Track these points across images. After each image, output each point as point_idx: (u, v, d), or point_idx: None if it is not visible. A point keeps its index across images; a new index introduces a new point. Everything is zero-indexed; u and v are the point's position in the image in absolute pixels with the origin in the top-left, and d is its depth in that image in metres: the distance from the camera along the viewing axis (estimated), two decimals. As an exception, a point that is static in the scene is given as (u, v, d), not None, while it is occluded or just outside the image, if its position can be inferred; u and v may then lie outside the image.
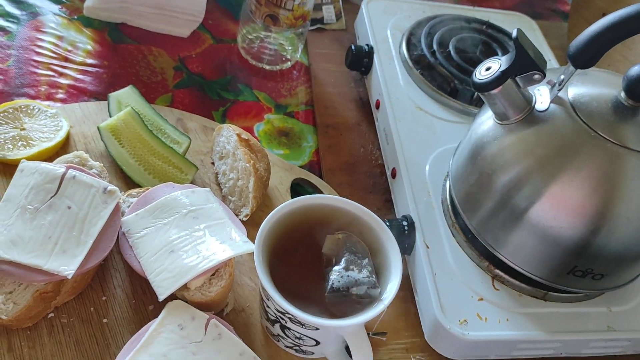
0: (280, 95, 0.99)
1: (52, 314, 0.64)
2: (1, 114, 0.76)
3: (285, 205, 0.64)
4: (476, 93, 0.91)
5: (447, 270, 0.72)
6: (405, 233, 0.75)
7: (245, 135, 0.77)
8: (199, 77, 0.96)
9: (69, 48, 0.93)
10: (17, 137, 0.75)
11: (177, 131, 0.81)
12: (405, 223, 0.75)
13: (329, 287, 0.60)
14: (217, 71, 0.98)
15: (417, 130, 0.88)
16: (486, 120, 0.71)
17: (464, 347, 0.68)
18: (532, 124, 0.67)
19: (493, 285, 0.72)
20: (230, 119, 0.92)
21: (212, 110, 0.93)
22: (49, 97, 0.86)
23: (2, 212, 0.63)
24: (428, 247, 0.74)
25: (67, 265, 0.60)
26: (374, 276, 0.61)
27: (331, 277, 0.61)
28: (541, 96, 0.68)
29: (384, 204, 0.87)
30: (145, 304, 0.67)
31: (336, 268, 0.61)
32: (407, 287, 0.76)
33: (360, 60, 0.97)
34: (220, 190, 0.80)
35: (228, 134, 0.78)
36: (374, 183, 0.90)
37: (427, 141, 0.86)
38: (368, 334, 0.61)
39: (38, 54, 0.90)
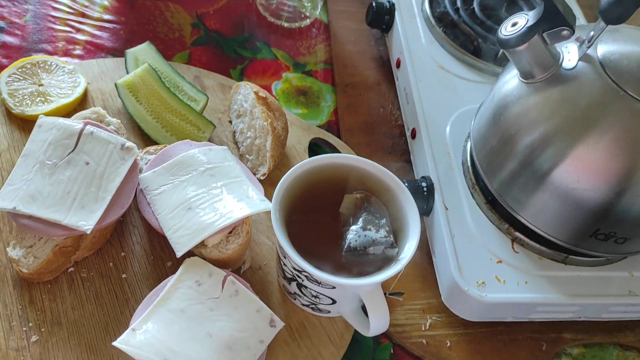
0: (298, 53, 0.97)
1: (72, 269, 0.64)
2: (19, 70, 0.76)
3: (303, 164, 0.63)
4: (500, 52, 0.89)
5: (466, 232, 0.71)
6: (424, 194, 0.74)
7: (262, 93, 0.76)
8: (216, 34, 0.95)
9: (86, 3, 0.92)
10: (35, 93, 0.75)
11: (194, 89, 0.80)
12: (424, 184, 0.74)
13: (345, 246, 0.60)
14: (234, 28, 0.97)
15: (438, 90, 0.86)
16: (510, 79, 0.69)
17: (481, 309, 0.67)
18: (559, 83, 0.64)
19: (512, 248, 0.71)
20: (247, 77, 0.91)
21: (229, 68, 0.91)
22: (67, 53, 0.85)
23: (21, 167, 0.63)
24: (447, 209, 0.73)
25: (86, 221, 0.60)
26: (391, 236, 0.61)
27: (348, 236, 0.60)
28: (569, 54, 0.65)
29: (403, 165, 0.86)
30: (163, 260, 0.67)
31: (353, 227, 0.61)
32: (424, 249, 0.75)
33: (381, 18, 0.95)
34: (237, 149, 0.79)
35: (245, 92, 0.77)
36: (393, 144, 0.88)
37: (448, 101, 0.84)
38: (385, 293, 0.61)
39: (55, 9, 0.89)
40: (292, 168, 0.62)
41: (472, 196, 0.75)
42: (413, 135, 0.83)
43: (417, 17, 0.94)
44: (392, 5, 0.95)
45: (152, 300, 0.59)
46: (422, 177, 0.76)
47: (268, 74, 0.93)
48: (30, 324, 0.60)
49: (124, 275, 0.65)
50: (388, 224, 0.62)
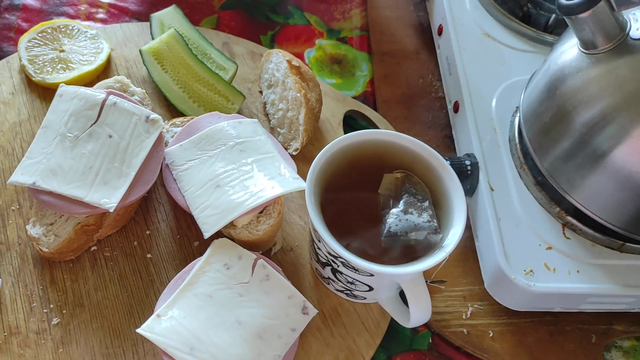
0: (333, 18, 0.91)
1: (94, 247, 0.61)
2: (39, 34, 0.72)
3: (340, 141, 0.58)
4: (552, 19, 0.81)
5: (513, 215, 0.66)
6: (467, 173, 0.69)
7: (296, 62, 0.71)
8: (246, -3, 0.89)
9: (109, -36, 0.87)
10: (57, 60, 0.71)
11: (223, 56, 0.75)
12: (468, 162, 0.69)
13: (385, 231, 0.55)
14: (265, -9, 0.91)
15: (483, 60, 0.79)
16: (569, 49, 0.63)
17: (528, 299, 0.62)
18: (624, 54, 0.58)
19: (563, 233, 0.66)
20: (279, 44, 0.86)
21: (260, 34, 0.86)
22: (89, 17, 0.81)
23: (42, 139, 0.60)
24: (492, 190, 0.68)
25: (109, 198, 0.57)
26: (435, 221, 0.56)
27: (388, 220, 0.56)
28: (637, 22, 0.59)
29: (443, 141, 0.80)
30: (190, 239, 0.64)
31: (394, 210, 0.56)
32: (466, 231, 0.70)
33: (423, -20, 0.88)
34: (268, 122, 0.75)
35: (277, 61, 0.72)
36: (433, 117, 0.83)
37: (494, 72, 0.78)
38: (426, 281, 0.57)
39: (77, -30, 0.85)
40: (328, 145, 0.58)
41: (520, 176, 0.69)
42: (456, 109, 0.77)
43: (462, -20, 0.87)
44: (434, -33, 0.88)
45: (178, 284, 0.56)
46: (466, 154, 0.71)
47: (300, 40, 0.87)
48: (52, 306, 0.57)
49: (149, 255, 0.62)
50: (431, 207, 0.57)
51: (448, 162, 0.68)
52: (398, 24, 0.92)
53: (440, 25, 0.85)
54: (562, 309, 0.65)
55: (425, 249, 0.56)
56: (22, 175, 0.57)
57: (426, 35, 0.91)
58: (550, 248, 0.64)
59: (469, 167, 0.69)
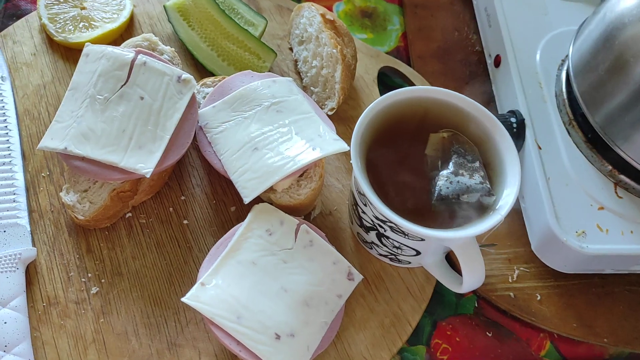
0: (362, -31, 0.86)
1: (129, 214, 0.59)
2: (59, -9, 0.68)
3: (384, 99, 0.55)
4: (598, -36, 0.77)
5: (562, 174, 0.63)
6: (513, 131, 0.65)
7: (330, 15, 0.67)
8: (270, -52, 0.84)
9: None
10: (78, 18, 0.67)
11: (251, 11, 0.71)
12: (513, 120, 0.66)
13: (436, 194, 0.53)
14: (290, -59, 0.86)
15: (525, 11, 0.75)
16: (627, -4, 0.59)
17: (579, 261, 0.60)
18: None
19: (616, 192, 0.63)
20: (306, -2, 0.81)
21: (286, -14, 0.82)
22: (108, -28, 0.76)
23: (70, 101, 0.57)
24: (540, 148, 0.64)
25: (145, 163, 0.54)
26: (487, 182, 0.53)
27: (438, 182, 0.53)
28: None
29: (482, 97, 0.77)
30: (226, 204, 0.62)
31: (444, 172, 0.53)
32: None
33: None
34: (300, 80, 0.71)
35: (310, 15, 0.68)
36: (471, 72, 0.79)
37: (537, 23, 0.74)
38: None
39: None
40: (372, 104, 0.54)
41: (569, 133, 0.66)
42: (497, 63, 0.73)
43: None
44: None
45: (220, 251, 0.53)
46: (510, 111, 0.68)
47: (329, -7, 0.83)
48: (90, 275, 0.55)
49: (185, 222, 0.60)
50: (482, 168, 0.54)
51: (493, 119, 0.65)
52: (431, -26, 0.87)
53: (477, -27, 0.80)
54: (612, 270, 0.63)
55: (477, 211, 0.53)
56: (52, 140, 0.55)
57: (461, -16, 0.86)
58: (602, 208, 0.62)
59: (514, 125, 0.65)
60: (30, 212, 0.57)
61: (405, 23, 0.82)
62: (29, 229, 0.56)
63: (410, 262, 0.60)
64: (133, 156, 0.54)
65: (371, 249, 0.60)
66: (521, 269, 0.64)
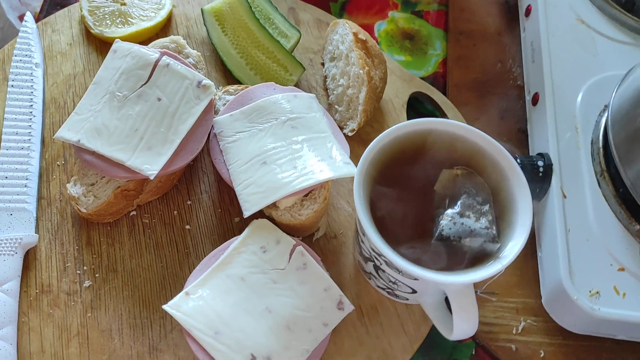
0: (410, -11, 0.84)
1: (134, 212, 0.60)
2: (103, -15, 0.70)
3: (398, 129, 0.53)
4: (660, 8, 0.72)
5: (585, 227, 0.59)
6: (539, 175, 0.62)
7: (363, 35, 0.66)
8: (319, -40, 0.84)
9: None
10: (117, 13, 0.69)
11: (286, 22, 0.71)
12: (540, 163, 0.62)
13: (437, 233, 0.50)
14: (341, -45, 0.85)
15: (573, 49, 0.71)
16: (677, 47, 0.54)
17: (590, 322, 0.56)
18: None
19: (641, 255, 0.59)
20: (349, 14, 0.80)
21: (330, 1, 0.81)
22: (156, -29, 0.78)
23: (91, 95, 0.58)
24: (565, 197, 0.61)
25: (151, 164, 0.54)
26: (494, 228, 0.50)
27: (442, 221, 0.51)
28: None
29: (516, 135, 0.73)
30: (231, 214, 0.61)
31: (449, 212, 0.51)
32: (529, 238, 0.64)
33: (515, -46, 0.80)
34: (327, 97, 0.70)
35: (343, 32, 0.67)
36: (508, 108, 0.75)
37: (584, 63, 0.70)
38: (476, 291, 0.52)
39: None
40: (385, 132, 0.53)
41: (599, 185, 0.62)
42: (534, 101, 0.70)
43: (560, -43, 0.78)
44: (530, -60, 0.79)
45: (211, 262, 0.53)
46: (539, 153, 0.64)
47: (372, 11, 0.81)
48: (85, 268, 0.56)
49: (187, 227, 0.60)
50: (491, 212, 0.51)
51: (518, 160, 0.62)
52: (481, 1, 0.84)
53: (529, 5, 0.76)
54: (627, 337, 0.59)
55: (479, 256, 0.50)
56: (68, 132, 0.56)
57: (511, 15, 0.83)
58: (622, 269, 0.57)
59: (541, 168, 0.62)
60: (40, 198, 0.59)
61: (447, 49, 0.80)
62: (35, 215, 0.57)
63: (408, 299, 0.57)
64: (140, 156, 0.55)
65: (370, 279, 0.58)
66: (528, 321, 0.61)
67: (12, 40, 0.66)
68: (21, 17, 1.44)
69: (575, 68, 0.69)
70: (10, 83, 0.63)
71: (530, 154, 0.66)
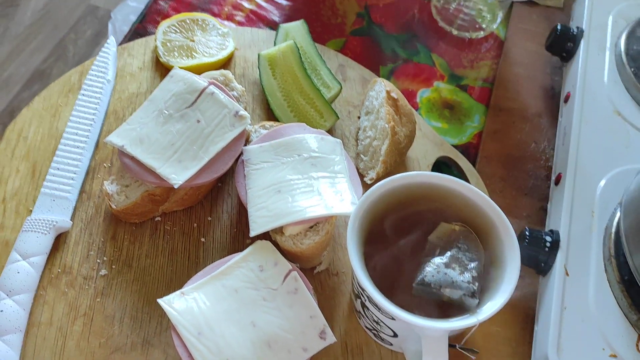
0: (459, 64, 0.89)
1: (158, 218, 0.66)
2: (179, 22, 0.80)
3: (398, 179, 0.56)
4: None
5: (582, 308, 0.59)
6: (544, 249, 0.63)
7: (395, 94, 0.71)
8: (379, 27, 0.91)
9: (263, -25, 0.94)
10: (185, 47, 0.78)
11: (331, 75, 0.77)
12: (548, 238, 0.63)
13: (419, 278, 0.52)
14: (399, 26, 0.92)
15: (605, 137, 0.72)
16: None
17: (572, 404, 0.55)
18: None
19: (637, 345, 0.57)
20: (396, 78, 0.86)
21: (380, 64, 0.87)
22: (229, 17, 0.88)
23: (144, 110, 0.66)
24: (567, 275, 0.61)
25: (177, 175, 0.61)
26: (476, 284, 0.52)
27: (426, 268, 0.53)
28: None
29: (537, 212, 0.74)
30: (244, 235, 0.66)
31: (436, 260, 0.53)
32: (530, 311, 0.64)
33: (563, 44, 0.83)
34: (356, 146, 0.75)
35: (379, 89, 0.72)
36: (534, 185, 0.77)
37: (613, 153, 0.71)
38: (454, 345, 0.53)
39: (233, -25, 0.93)
40: (385, 180, 0.56)
41: (605, 269, 0.62)
42: (557, 181, 0.71)
43: (607, 51, 0.81)
44: (580, 32, 0.83)
45: (212, 270, 0.57)
46: (550, 230, 0.65)
47: (419, 79, 0.86)
48: (105, 258, 0.62)
49: (202, 239, 0.65)
50: (477, 270, 0.53)
51: (527, 232, 0.63)
52: (527, 83, 0.88)
53: (568, 92, 0.79)
54: None
55: (458, 310, 0.52)
56: (116, 137, 0.64)
57: (555, 101, 0.85)
58: (614, 356, 0.56)
59: (548, 243, 0.63)
60: (82, 192, 0.66)
61: (485, 123, 0.83)
62: (74, 204, 0.64)
63: (392, 344, 0.59)
64: (170, 167, 0.61)
65: (360, 318, 0.60)
66: (513, 393, 0.60)
67: (94, 57, 0.76)
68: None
69: (603, 155, 0.70)
70: (82, 92, 0.72)
71: (539, 229, 0.67)
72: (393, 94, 0.70)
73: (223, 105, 0.65)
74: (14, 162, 0.67)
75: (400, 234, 0.57)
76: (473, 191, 0.56)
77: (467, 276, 0.52)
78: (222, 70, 0.70)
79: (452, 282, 0.52)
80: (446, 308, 0.53)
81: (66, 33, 2.21)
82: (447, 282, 0.52)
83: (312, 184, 0.61)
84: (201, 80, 0.66)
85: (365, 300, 0.54)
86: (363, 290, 0.53)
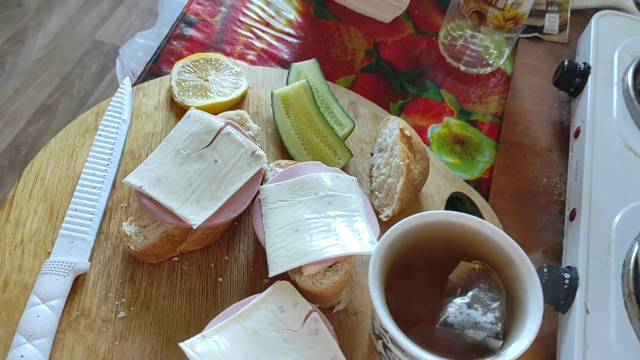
0: (468, 100, 0.90)
1: (176, 258, 0.66)
2: (193, 63, 0.81)
3: (417, 218, 0.57)
4: None
5: (604, 346, 0.59)
6: (564, 287, 0.63)
7: (409, 131, 0.71)
8: (388, 65, 0.92)
9: (273, 14, 0.95)
10: (199, 87, 0.79)
11: (343, 113, 0.78)
12: (567, 275, 0.63)
13: (442, 319, 0.52)
14: (408, 62, 0.93)
15: (617, 173, 0.73)
16: None
17: None
18: None
19: (661, 384, 0.57)
20: (406, 114, 0.87)
21: (390, 101, 0.88)
22: (241, 57, 0.89)
23: (161, 150, 0.66)
24: (588, 312, 0.61)
25: (195, 215, 0.61)
26: (499, 325, 0.52)
27: (449, 308, 0.53)
28: None
29: (552, 247, 0.74)
30: (262, 275, 0.66)
31: (458, 300, 0.53)
32: (550, 347, 0.64)
33: (571, 79, 0.84)
34: (370, 184, 0.75)
35: (392, 127, 0.73)
36: (548, 221, 0.77)
37: (626, 188, 0.71)
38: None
39: (244, 15, 0.94)
40: (405, 219, 0.56)
41: (625, 306, 0.61)
42: (572, 217, 0.71)
43: (615, 87, 0.82)
44: (588, 68, 0.84)
45: (232, 312, 0.57)
46: (568, 266, 0.65)
47: (429, 115, 0.87)
48: (123, 300, 0.62)
49: (220, 279, 0.65)
50: (500, 310, 0.53)
51: (545, 269, 0.63)
52: (536, 118, 0.89)
53: (578, 127, 0.80)
54: None
55: (481, 351, 0.51)
56: (134, 178, 0.64)
57: (564, 135, 0.86)
58: (639, 395, 0.56)
59: (566, 281, 0.63)
60: (100, 232, 0.66)
61: (496, 158, 0.83)
62: (92, 246, 0.64)
63: (414, 386, 0.58)
64: (189, 207, 0.61)
65: (381, 359, 0.60)
66: None
67: (109, 98, 0.77)
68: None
69: (617, 190, 0.71)
70: (98, 132, 0.73)
71: (557, 266, 0.67)
72: (406, 132, 0.71)
73: (240, 145, 0.66)
74: (31, 203, 0.67)
75: (419, 274, 0.57)
76: (491, 229, 0.56)
77: (490, 317, 0.52)
78: (238, 110, 0.71)
79: (476, 323, 0.51)
80: (467, 349, 0.52)
81: (72, 68, 2.24)
82: (470, 323, 0.51)
83: (330, 223, 0.62)
84: (218, 121, 0.67)
85: (387, 342, 0.54)
86: (386, 332, 0.52)
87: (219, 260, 0.66)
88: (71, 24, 2.42)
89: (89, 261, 0.64)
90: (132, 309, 0.62)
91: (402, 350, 0.52)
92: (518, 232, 0.75)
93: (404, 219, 0.56)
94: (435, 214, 0.57)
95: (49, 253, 0.63)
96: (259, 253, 0.67)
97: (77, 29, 2.41)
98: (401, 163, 0.68)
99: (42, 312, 0.58)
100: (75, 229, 0.65)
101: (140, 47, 1.69)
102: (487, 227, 0.56)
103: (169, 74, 0.85)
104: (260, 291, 0.64)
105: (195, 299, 0.63)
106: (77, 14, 2.45)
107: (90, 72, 2.27)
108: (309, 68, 0.82)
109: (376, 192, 0.73)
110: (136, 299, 0.62)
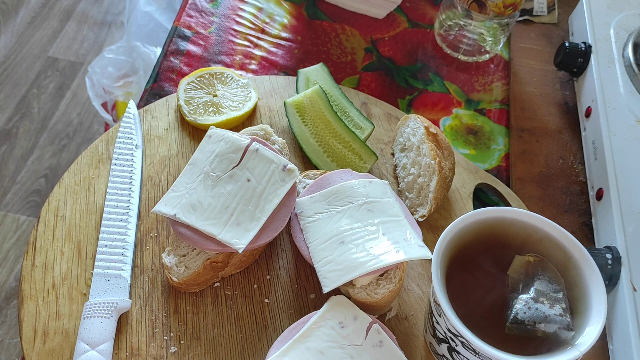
0: (472, 89, 0.90)
1: (217, 284, 0.63)
2: (198, 79, 0.78)
3: (474, 215, 0.57)
4: None
5: (657, 321, 0.60)
6: (607, 267, 0.63)
7: (433, 129, 0.71)
8: (389, 61, 0.91)
9: (267, 20, 0.93)
10: (209, 103, 0.76)
11: (361, 116, 0.77)
12: (609, 255, 0.64)
13: (511, 317, 0.52)
14: (408, 57, 0.93)
15: (635, 148, 0.74)
16: None
17: (668, 420, 0.55)
18: None
19: None
20: (415, 109, 0.87)
21: (398, 97, 0.87)
22: (242, 67, 0.87)
23: (187, 174, 0.64)
24: (635, 290, 0.62)
25: (239, 239, 0.59)
26: (568, 315, 0.52)
27: (516, 305, 0.53)
28: None
29: (580, 228, 0.75)
30: (307, 291, 0.64)
31: (523, 296, 0.53)
32: (598, 330, 0.65)
33: (574, 60, 0.85)
34: (397, 184, 0.74)
35: (415, 126, 0.72)
36: (571, 202, 0.78)
37: (646, 162, 0.73)
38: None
39: (238, 23, 0.92)
40: (461, 217, 0.56)
41: (669, 279, 0.63)
42: (599, 197, 0.72)
43: (617, 63, 0.83)
44: (589, 48, 0.85)
45: (292, 334, 0.56)
46: (607, 246, 0.66)
47: (437, 108, 0.87)
48: (172, 334, 0.59)
49: (266, 300, 0.63)
50: (565, 300, 0.53)
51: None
52: (541, 101, 0.89)
53: (589, 107, 0.81)
54: None
55: (552, 343, 0.52)
56: (165, 206, 0.61)
57: (571, 115, 0.87)
58: (699, 366, 0.57)
59: (609, 261, 0.64)
60: (134, 266, 0.63)
61: (510, 145, 0.84)
62: (129, 282, 0.62)
63: (480, 384, 0.58)
64: (230, 231, 0.59)
65: (441, 362, 0.60)
66: (601, 416, 0.60)
67: (117, 124, 0.73)
68: (104, 105, 1.58)
69: (637, 166, 0.72)
70: (113, 162, 0.70)
71: (597, 247, 0.68)
72: (432, 130, 0.70)
73: (270, 160, 0.64)
74: (56, 244, 0.64)
75: (476, 272, 0.57)
76: (540, 220, 0.56)
77: (558, 308, 0.52)
78: (261, 125, 0.69)
79: (546, 317, 0.51)
80: (537, 344, 0.52)
81: (28, 89, 2.15)
82: (540, 317, 0.51)
83: (375, 231, 0.61)
84: (243, 138, 0.65)
85: (456, 346, 0.54)
86: (455, 335, 0.52)
87: (261, 281, 0.64)
88: (20, 43, 2.32)
89: (129, 298, 0.61)
90: (182, 342, 0.59)
91: (476, 353, 0.52)
92: (545, 216, 0.76)
93: (459, 218, 0.56)
94: (488, 211, 0.57)
95: (85, 295, 0.60)
96: (300, 268, 0.66)
97: (27, 48, 2.31)
98: (432, 162, 0.68)
99: (93, 359, 0.55)
100: (110, 266, 0.62)
101: (110, 62, 1.63)
102: (539, 220, 0.57)
103: (172, 92, 0.82)
104: (308, 307, 0.63)
105: (244, 323, 0.61)
106: (25, 32, 2.35)
107: (49, 91, 2.18)
108: (317, 73, 0.81)
109: (406, 193, 0.72)
110: (184, 331, 0.60)
